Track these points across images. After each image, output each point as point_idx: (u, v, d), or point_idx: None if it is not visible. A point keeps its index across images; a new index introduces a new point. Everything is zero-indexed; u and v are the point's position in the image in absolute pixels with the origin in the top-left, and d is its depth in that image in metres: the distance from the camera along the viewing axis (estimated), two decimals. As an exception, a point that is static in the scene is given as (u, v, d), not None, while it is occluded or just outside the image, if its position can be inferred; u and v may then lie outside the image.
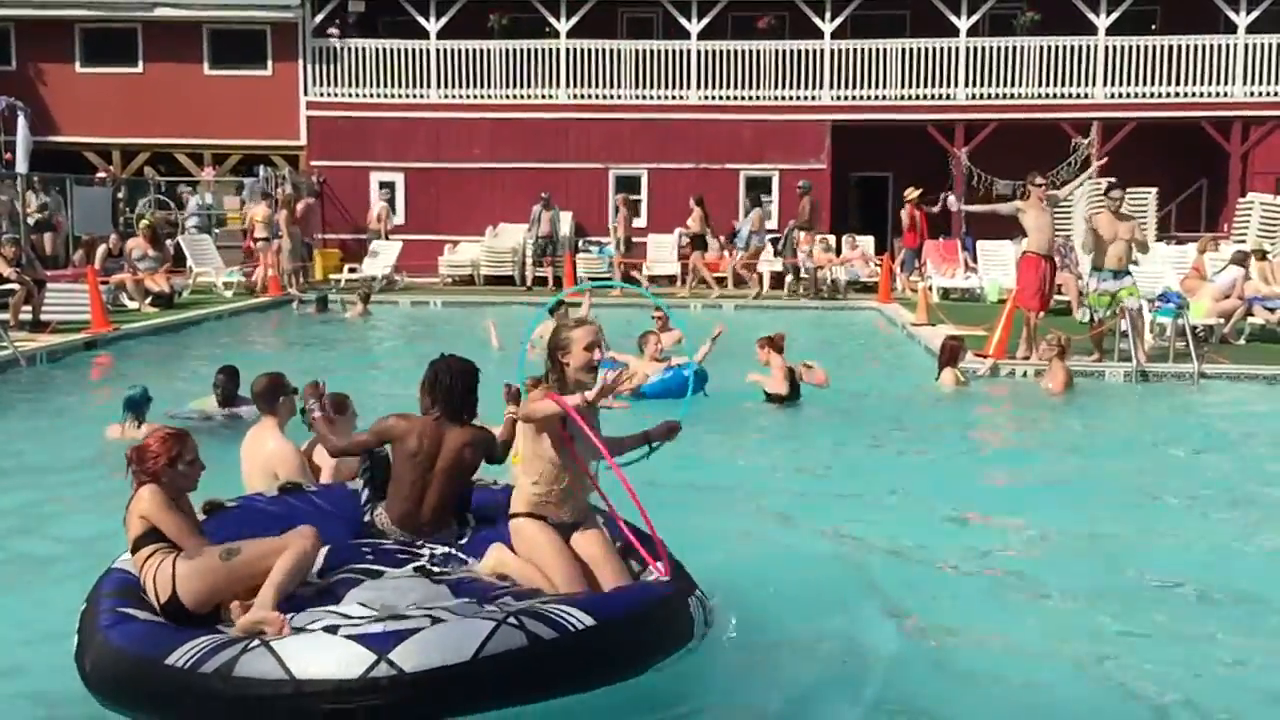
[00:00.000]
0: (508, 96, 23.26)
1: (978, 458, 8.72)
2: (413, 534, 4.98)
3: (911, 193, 21.09)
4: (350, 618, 3.87)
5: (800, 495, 7.29)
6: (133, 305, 16.83)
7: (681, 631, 4.19)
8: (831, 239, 21.92)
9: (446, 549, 4.91)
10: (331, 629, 3.74)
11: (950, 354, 11.04)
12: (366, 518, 5.16)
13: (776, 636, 4.83)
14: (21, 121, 19.57)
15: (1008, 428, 10.20)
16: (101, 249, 17.56)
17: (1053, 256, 12.22)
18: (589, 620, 3.81)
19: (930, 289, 18.10)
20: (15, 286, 13.84)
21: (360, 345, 15.54)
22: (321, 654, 3.57)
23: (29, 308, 13.94)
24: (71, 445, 8.37)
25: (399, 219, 23.29)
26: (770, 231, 22.67)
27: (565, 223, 22.53)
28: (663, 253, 22.66)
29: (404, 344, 15.83)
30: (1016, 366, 11.85)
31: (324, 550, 4.49)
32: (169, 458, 4.24)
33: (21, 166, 19.28)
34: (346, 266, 21.96)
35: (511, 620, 3.72)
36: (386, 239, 22.20)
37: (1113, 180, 12.90)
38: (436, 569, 4.65)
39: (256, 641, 3.68)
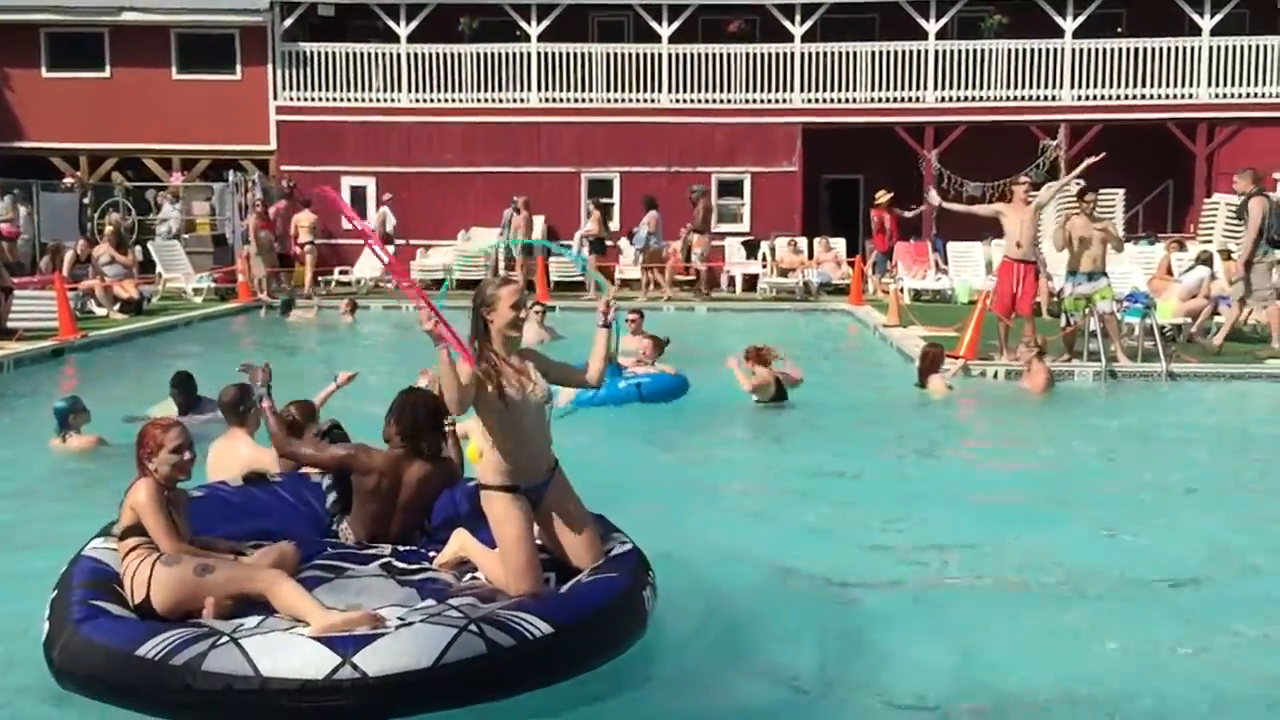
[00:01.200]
0: (479, 100, 23.21)
1: (959, 458, 8.73)
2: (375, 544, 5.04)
3: (881, 196, 21.22)
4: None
5: (774, 495, 7.32)
6: (101, 311, 16.68)
7: (636, 625, 4.37)
8: (803, 241, 22.04)
9: (410, 547, 5.03)
10: (299, 630, 3.86)
11: (931, 361, 11.01)
12: (334, 527, 5.20)
13: (735, 627, 4.93)
14: (-14, 127, 19.37)
15: (991, 428, 10.16)
16: (69, 255, 17.38)
17: (1032, 260, 12.26)
18: (546, 628, 3.95)
19: (901, 290, 18.20)
20: (-19, 294, 13.68)
21: (326, 351, 15.44)
22: (288, 654, 3.68)
23: (-5, 315, 13.79)
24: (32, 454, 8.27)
25: (372, 223, 23.14)
26: (744, 235, 22.76)
27: (537, 227, 22.49)
28: (634, 258, 22.64)
29: (373, 349, 15.76)
30: (989, 367, 11.93)
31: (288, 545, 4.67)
32: (162, 447, 4.37)
33: (-14, 172, 19.08)
34: (338, 269, 21.91)
35: (472, 628, 3.84)
36: (391, 244, 21.97)
37: (1083, 183, 13.03)
38: (401, 564, 4.79)
39: (226, 638, 3.77)
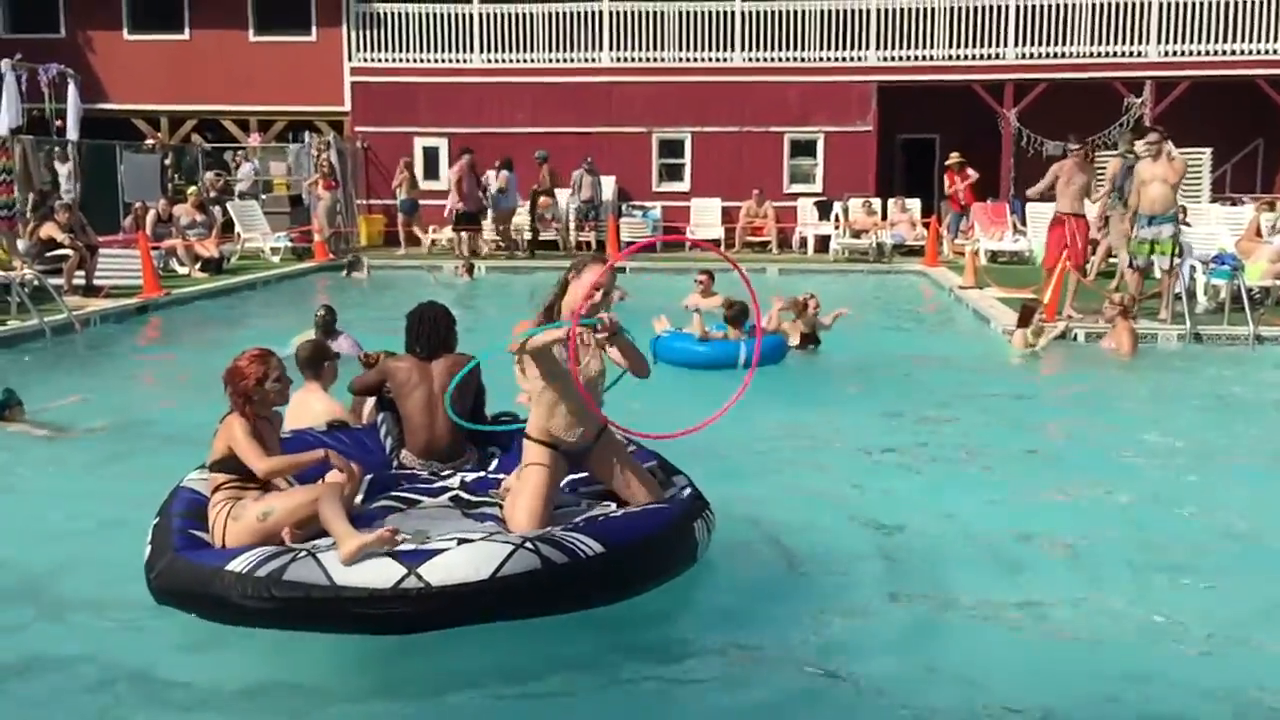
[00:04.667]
0: (551, 60, 23.17)
1: (1037, 421, 8.55)
2: (439, 462, 5.46)
3: (953, 157, 20.82)
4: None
5: (844, 454, 7.27)
6: (183, 270, 17.04)
7: (686, 554, 4.60)
8: (876, 202, 21.75)
9: (478, 474, 5.37)
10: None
11: (1024, 315, 10.93)
12: (394, 462, 5.58)
13: (792, 573, 5.09)
14: (72, 89, 19.75)
15: (1071, 390, 9.86)
16: (151, 215, 17.75)
17: (1080, 214, 12.15)
18: (598, 547, 4.20)
19: (978, 252, 17.89)
20: (69, 252, 14.04)
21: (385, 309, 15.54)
22: (359, 566, 4.00)
23: (82, 273, 14.15)
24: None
25: (441, 184, 23.24)
26: (816, 195, 22.51)
27: (608, 187, 22.48)
28: (706, 217, 22.56)
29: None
30: (1069, 328, 11.64)
31: (367, 479, 5.10)
32: (257, 377, 4.63)
33: (73, 134, 19.50)
34: (430, 228, 21.57)
35: (528, 545, 4.11)
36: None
37: (1156, 127, 12.73)
38: (468, 495, 5.11)
39: (305, 552, 4.13)
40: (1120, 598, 4.83)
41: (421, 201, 21.39)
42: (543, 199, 21.33)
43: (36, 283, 12.40)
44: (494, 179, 20.83)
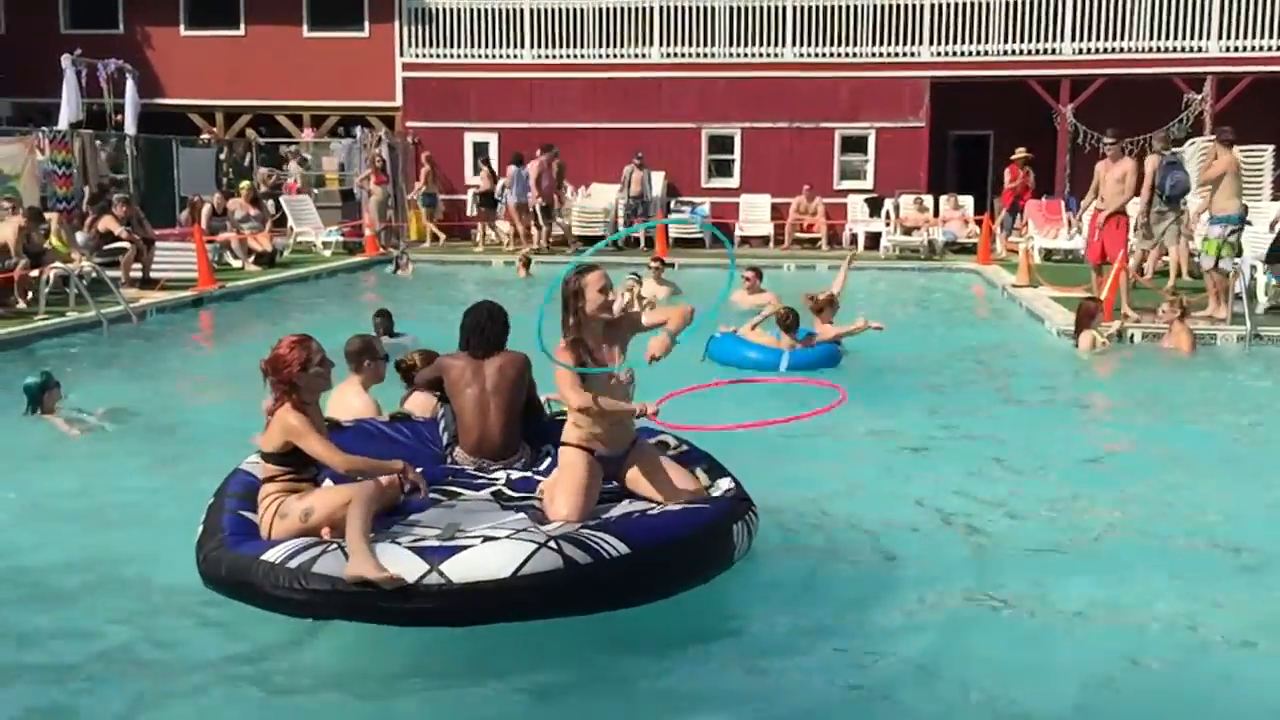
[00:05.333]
0: (601, 56, 23.16)
1: (1092, 420, 8.45)
2: (490, 459, 5.48)
3: (1019, 153, 20.55)
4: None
5: (899, 455, 7.19)
6: (237, 264, 17.25)
7: (719, 557, 4.50)
8: (928, 199, 21.52)
9: (524, 473, 5.38)
10: (396, 539, 4.27)
11: (1087, 315, 10.73)
12: (448, 458, 5.62)
13: (837, 577, 5.02)
14: (130, 84, 20.05)
15: (1127, 390, 9.65)
16: (206, 209, 18.00)
17: (1122, 212, 12.06)
18: (623, 548, 4.15)
19: (1032, 250, 17.64)
20: (126, 245, 14.26)
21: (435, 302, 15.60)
22: (384, 560, 4.04)
23: (139, 265, 14.36)
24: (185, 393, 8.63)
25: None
26: (867, 192, 22.32)
27: (657, 183, 22.44)
28: (756, 213, 22.45)
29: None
30: (1127, 328, 11.43)
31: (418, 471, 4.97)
32: (301, 363, 4.60)
33: (130, 129, 19.80)
34: (480, 225, 21.82)
35: (551, 544, 4.08)
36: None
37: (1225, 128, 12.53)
38: (510, 491, 5.13)
39: (335, 545, 4.20)
40: (1175, 600, 4.73)
41: (460, 198, 21.54)
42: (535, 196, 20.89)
43: (94, 275, 12.60)
44: (501, 180, 21.03)
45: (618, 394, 4.85)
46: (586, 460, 4.78)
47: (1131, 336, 11.31)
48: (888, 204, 21.50)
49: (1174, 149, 14.69)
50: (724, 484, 5.05)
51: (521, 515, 4.73)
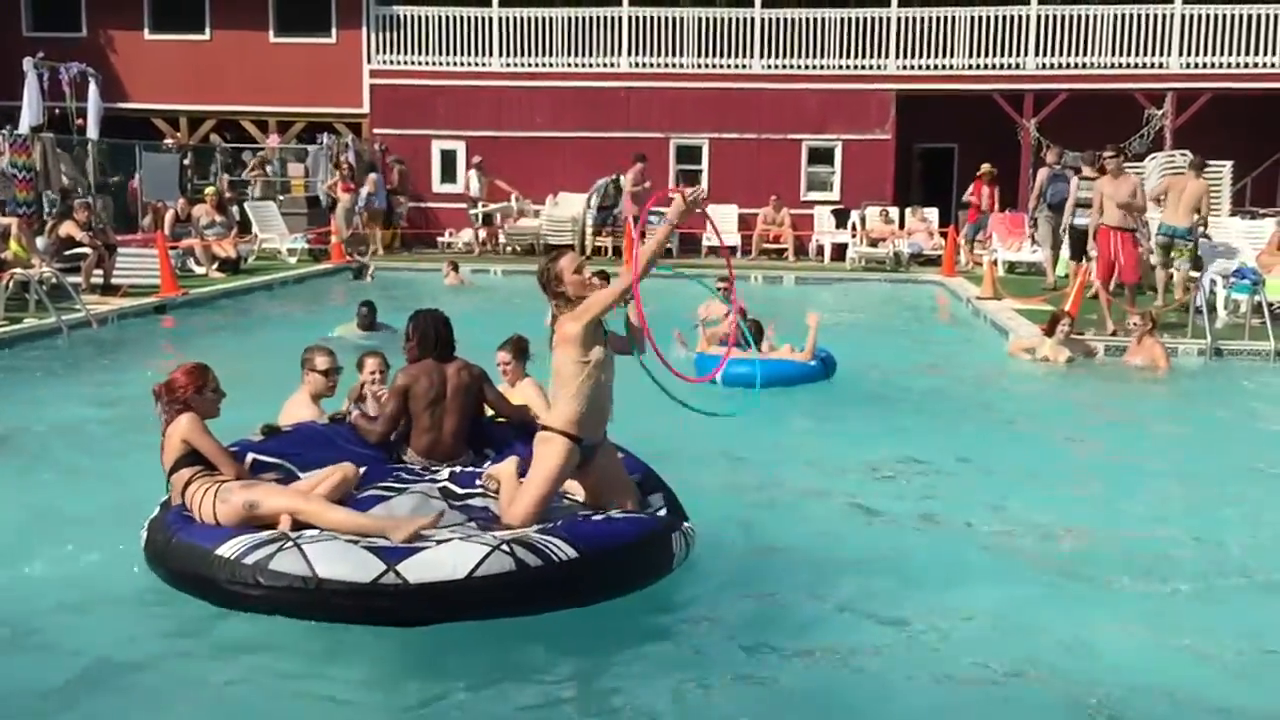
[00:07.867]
0: (569, 65, 23.17)
1: (1051, 435, 8.47)
2: (437, 462, 5.62)
3: (985, 168, 20.72)
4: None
5: (854, 473, 7.20)
6: (200, 270, 17.08)
7: (659, 563, 4.70)
8: (894, 211, 21.67)
9: (467, 468, 5.54)
10: (353, 540, 4.37)
11: (1053, 322, 10.91)
12: (396, 457, 5.71)
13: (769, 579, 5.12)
14: (93, 88, 19.84)
15: (1087, 404, 9.67)
16: (169, 215, 17.82)
17: (1130, 229, 11.99)
18: (571, 552, 4.33)
19: (996, 262, 17.79)
20: (87, 250, 14.08)
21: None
22: (341, 559, 4.18)
23: (100, 271, 14.19)
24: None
25: (457, 187, 23.29)
26: (833, 204, 22.44)
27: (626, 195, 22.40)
28: (723, 223, 22.49)
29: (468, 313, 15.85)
30: (1091, 342, 11.52)
31: (362, 470, 5.22)
32: (195, 387, 4.86)
33: (93, 133, 19.58)
34: (446, 231, 22.54)
35: (504, 547, 4.26)
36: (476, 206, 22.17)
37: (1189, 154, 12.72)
38: (455, 487, 5.31)
39: (291, 543, 4.28)
40: (1128, 616, 4.78)
41: (437, 205, 21.46)
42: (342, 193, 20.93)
43: (55, 280, 12.43)
44: (364, 186, 21.21)
45: (610, 368, 4.92)
46: (567, 457, 4.81)
47: (1097, 352, 11.36)
48: (854, 215, 21.63)
49: (1064, 163, 16.07)
50: (655, 501, 5.21)
51: (478, 513, 4.92)
